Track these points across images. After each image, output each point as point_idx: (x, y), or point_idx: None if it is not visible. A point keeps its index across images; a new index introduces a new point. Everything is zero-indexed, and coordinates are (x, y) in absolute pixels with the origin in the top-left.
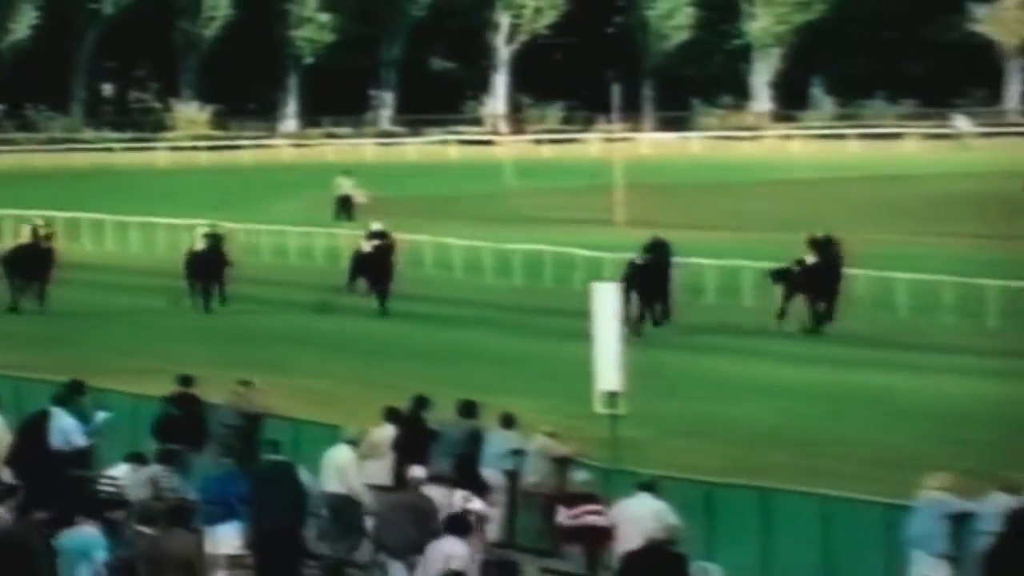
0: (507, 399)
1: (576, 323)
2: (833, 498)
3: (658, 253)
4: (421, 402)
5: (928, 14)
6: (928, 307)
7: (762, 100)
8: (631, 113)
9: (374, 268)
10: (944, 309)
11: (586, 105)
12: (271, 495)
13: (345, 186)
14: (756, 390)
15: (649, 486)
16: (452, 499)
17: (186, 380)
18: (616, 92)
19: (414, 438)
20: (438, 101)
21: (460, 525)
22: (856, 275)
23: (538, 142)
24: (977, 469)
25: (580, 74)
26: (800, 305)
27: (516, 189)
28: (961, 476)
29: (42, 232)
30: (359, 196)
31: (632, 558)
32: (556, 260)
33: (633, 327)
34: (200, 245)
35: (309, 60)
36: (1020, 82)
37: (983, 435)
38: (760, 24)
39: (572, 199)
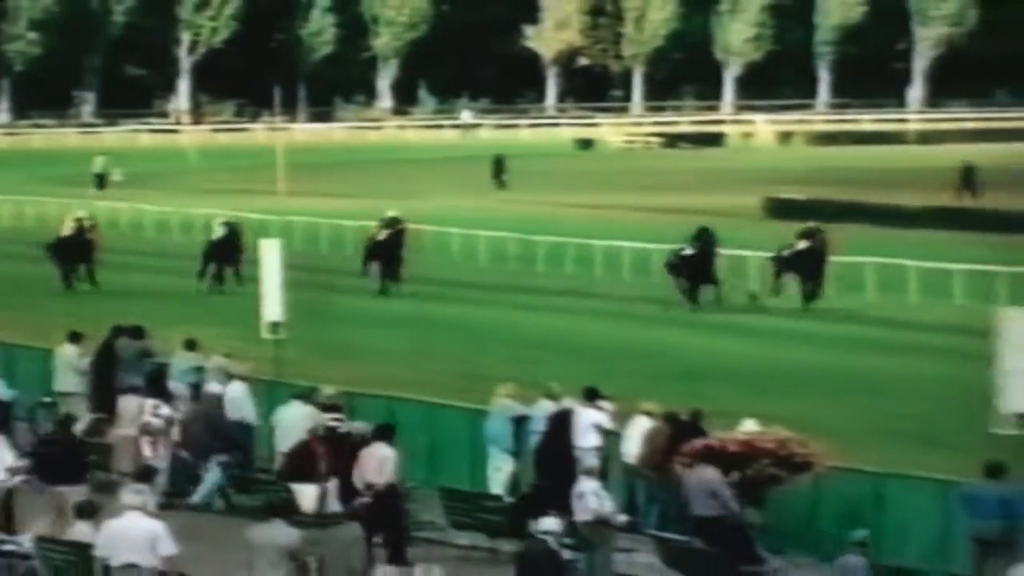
0: (191, 328)
1: (249, 269)
2: (438, 405)
3: (704, 242)
4: (115, 330)
5: (497, 31)
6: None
7: (385, 99)
8: (289, 108)
9: (386, 254)
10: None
11: (254, 102)
12: None
13: (100, 164)
14: (386, 321)
15: (304, 396)
16: (145, 407)
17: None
18: (277, 92)
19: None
20: (132, 100)
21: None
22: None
23: (215, 131)
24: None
25: (249, 78)
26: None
27: (198, 168)
28: (521, 386)
29: (86, 224)
30: (115, 174)
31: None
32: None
33: (685, 302)
34: (218, 234)
35: (20, 68)
36: (556, 85)
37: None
38: (382, 40)
39: (243, 175)
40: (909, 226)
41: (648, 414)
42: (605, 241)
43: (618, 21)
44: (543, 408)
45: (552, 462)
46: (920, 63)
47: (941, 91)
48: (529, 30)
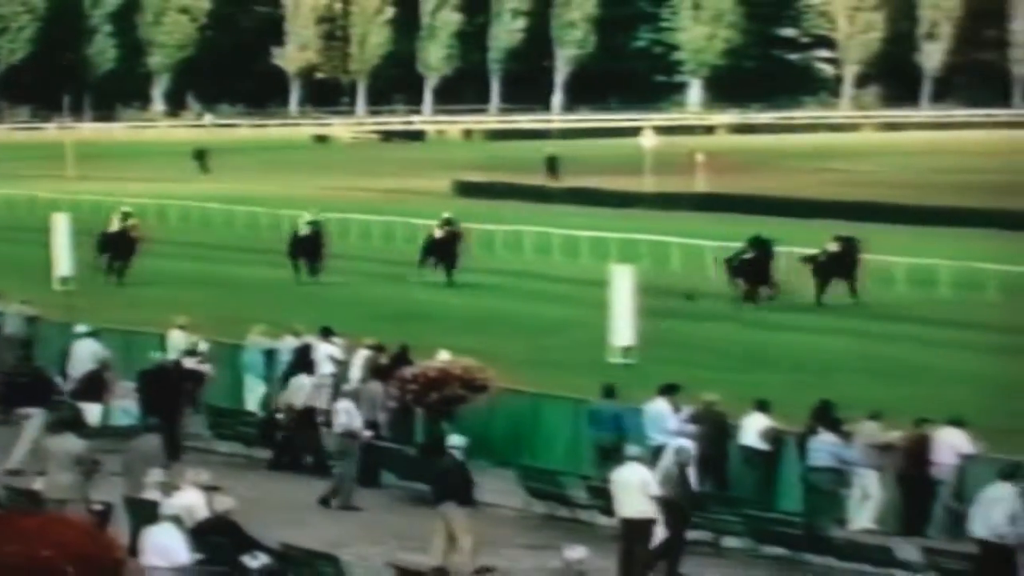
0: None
1: (41, 236)
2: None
3: (761, 248)
4: None
5: (250, 52)
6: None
7: (158, 104)
8: (77, 112)
9: (444, 250)
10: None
11: (47, 108)
12: None
13: None
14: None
15: (92, 334)
16: None
17: None
18: (66, 100)
19: None
20: None
21: None
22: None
23: (14, 130)
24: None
25: (44, 88)
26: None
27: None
28: (270, 326)
29: (130, 222)
30: None
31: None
32: (29, 200)
33: (746, 299)
34: (304, 231)
35: None
36: (298, 93)
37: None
38: (156, 59)
39: (39, 163)
40: (553, 202)
41: (369, 348)
42: (337, 214)
43: (346, 44)
44: (288, 343)
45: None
46: (560, 77)
47: (575, 98)
48: (276, 51)
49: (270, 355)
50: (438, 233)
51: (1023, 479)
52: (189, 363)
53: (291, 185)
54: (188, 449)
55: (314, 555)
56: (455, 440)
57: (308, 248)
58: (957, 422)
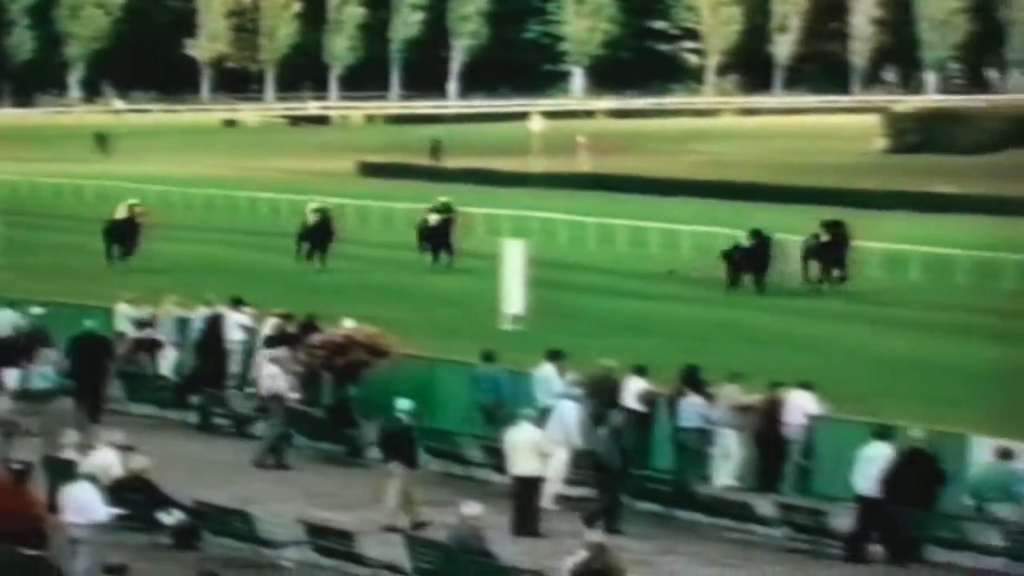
0: None
1: None
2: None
3: (760, 240)
4: None
5: (163, 42)
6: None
7: (75, 91)
8: None
9: (438, 236)
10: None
11: None
12: None
13: None
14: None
15: (10, 304)
16: None
17: None
18: None
19: None
20: None
21: None
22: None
23: None
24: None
25: None
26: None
27: None
28: (183, 297)
29: (137, 211)
30: None
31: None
32: None
33: (735, 286)
34: (312, 219)
35: None
36: (209, 81)
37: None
38: (72, 50)
39: None
40: (449, 181)
41: (278, 316)
42: (247, 192)
43: (255, 35)
44: (201, 312)
45: (208, 351)
46: (455, 66)
47: (469, 86)
48: (189, 42)
49: (183, 324)
50: (432, 219)
51: (894, 439)
52: (142, 333)
53: (201, 165)
54: (106, 412)
55: (226, 511)
56: (402, 404)
57: (316, 235)
58: (806, 385)
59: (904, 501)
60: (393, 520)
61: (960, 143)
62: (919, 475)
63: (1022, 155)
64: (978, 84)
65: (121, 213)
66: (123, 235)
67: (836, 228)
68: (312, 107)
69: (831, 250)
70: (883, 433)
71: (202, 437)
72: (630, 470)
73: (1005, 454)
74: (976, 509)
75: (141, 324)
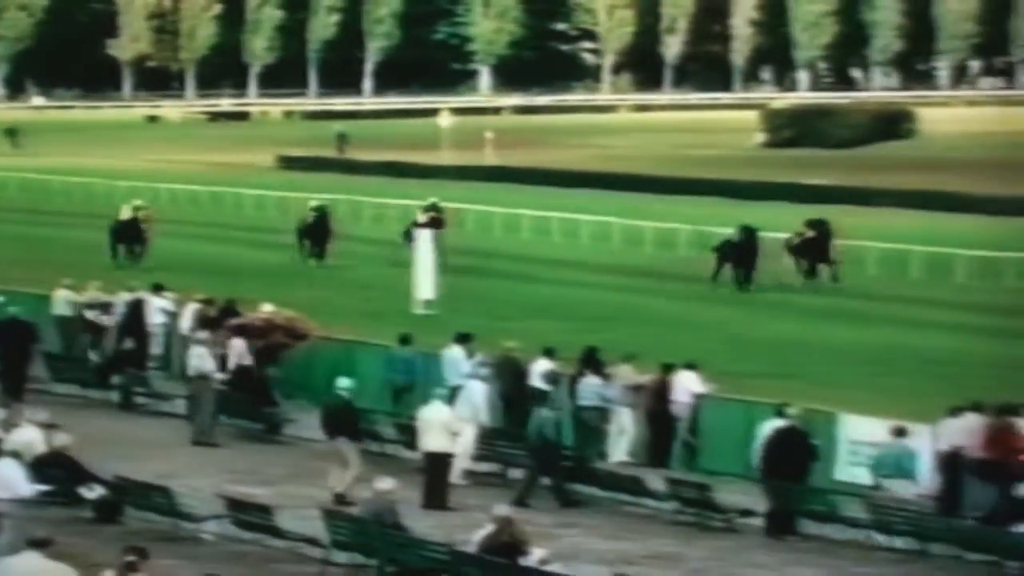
0: None
1: None
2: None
3: (748, 235)
4: None
5: (86, 42)
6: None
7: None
8: None
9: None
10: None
11: None
12: None
13: None
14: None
15: None
16: None
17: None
18: None
19: None
20: None
21: None
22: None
23: None
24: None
25: None
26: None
27: None
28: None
29: (141, 214)
30: None
31: None
32: None
33: (719, 282)
34: (310, 217)
35: None
36: (131, 79)
37: None
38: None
39: None
40: (364, 174)
41: (198, 301)
42: (167, 184)
43: (176, 36)
44: (123, 297)
45: (130, 334)
46: (370, 65)
47: (383, 84)
48: (111, 42)
49: (104, 308)
50: (421, 218)
51: (790, 416)
52: (90, 315)
53: (123, 158)
54: (31, 391)
55: (147, 486)
56: (344, 383)
57: (315, 233)
58: (692, 365)
59: (779, 476)
60: (348, 491)
61: (830, 137)
62: (792, 451)
63: (886, 148)
64: (845, 82)
65: (126, 214)
66: (128, 236)
67: (820, 226)
68: (231, 104)
69: (815, 246)
70: (783, 412)
71: (124, 416)
72: (563, 450)
73: (899, 432)
74: (874, 486)
75: (91, 307)
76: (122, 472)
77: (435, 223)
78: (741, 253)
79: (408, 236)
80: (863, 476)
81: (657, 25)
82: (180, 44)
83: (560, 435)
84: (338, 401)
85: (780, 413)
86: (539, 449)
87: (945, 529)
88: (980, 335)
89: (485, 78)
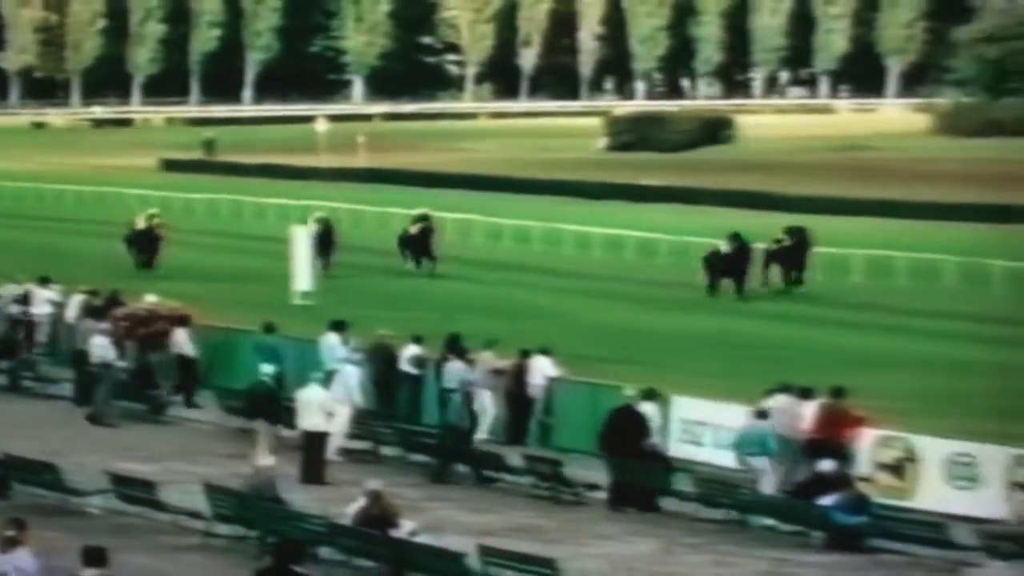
0: None
1: None
2: None
3: (739, 244)
4: None
5: None
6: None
7: None
8: None
9: (417, 245)
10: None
11: None
12: None
13: None
14: None
15: None
16: None
17: None
18: None
19: None
20: None
21: None
22: None
23: None
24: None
25: None
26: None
27: None
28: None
29: (155, 222)
30: None
31: None
32: None
33: (716, 291)
34: (314, 227)
35: None
36: (18, 89)
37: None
38: None
39: None
40: (244, 176)
41: (84, 292)
42: (53, 184)
43: (62, 49)
44: (11, 289)
45: (18, 322)
46: (250, 75)
47: (262, 92)
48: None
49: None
50: (413, 229)
51: (659, 400)
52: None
53: (9, 160)
54: None
55: (34, 463)
56: (266, 368)
57: (319, 244)
58: (546, 351)
59: (615, 451)
60: (260, 465)
61: (663, 142)
62: (628, 429)
63: (710, 152)
64: (675, 91)
65: (140, 223)
66: (142, 245)
67: (799, 233)
68: (116, 111)
69: (792, 254)
70: (650, 395)
71: (12, 397)
72: (474, 432)
73: (761, 414)
74: (738, 462)
75: (20, 301)
76: (13, 450)
77: (425, 233)
78: (733, 263)
79: (404, 244)
80: (694, 452)
81: (515, 39)
82: (66, 56)
83: (468, 418)
84: (260, 386)
85: (649, 397)
86: (450, 433)
87: (760, 502)
88: (787, 321)
89: (358, 87)
